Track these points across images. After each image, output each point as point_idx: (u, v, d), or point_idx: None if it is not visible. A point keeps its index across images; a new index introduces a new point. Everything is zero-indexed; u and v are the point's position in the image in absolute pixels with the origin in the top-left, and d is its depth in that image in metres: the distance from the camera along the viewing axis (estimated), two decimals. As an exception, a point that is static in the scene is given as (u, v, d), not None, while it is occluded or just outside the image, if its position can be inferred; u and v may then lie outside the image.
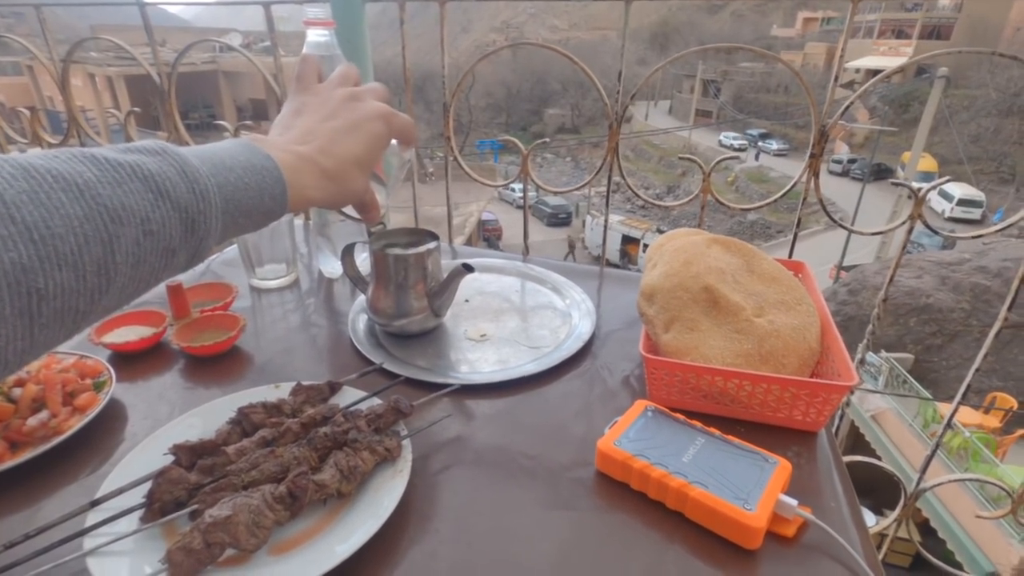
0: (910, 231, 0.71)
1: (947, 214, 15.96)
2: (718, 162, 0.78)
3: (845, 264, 10.31)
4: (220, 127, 0.99)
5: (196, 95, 16.55)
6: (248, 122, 1.08)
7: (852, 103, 0.70)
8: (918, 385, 6.76)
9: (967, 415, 6.32)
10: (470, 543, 0.42)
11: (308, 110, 0.42)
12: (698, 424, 0.49)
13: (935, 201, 16.86)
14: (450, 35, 0.88)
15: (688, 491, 0.42)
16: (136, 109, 1.09)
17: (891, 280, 0.74)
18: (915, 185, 0.68)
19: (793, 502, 0.42)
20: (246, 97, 17.47)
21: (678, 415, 0.50)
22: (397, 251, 0.63)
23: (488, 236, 16.66)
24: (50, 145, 1.16)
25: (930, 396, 6.85)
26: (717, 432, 0.48)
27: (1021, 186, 18.31)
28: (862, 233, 0.78)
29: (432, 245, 0.65)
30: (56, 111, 12.66)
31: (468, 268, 0.62)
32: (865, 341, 0.81)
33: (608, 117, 0.79)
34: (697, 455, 0.45)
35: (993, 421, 6.57)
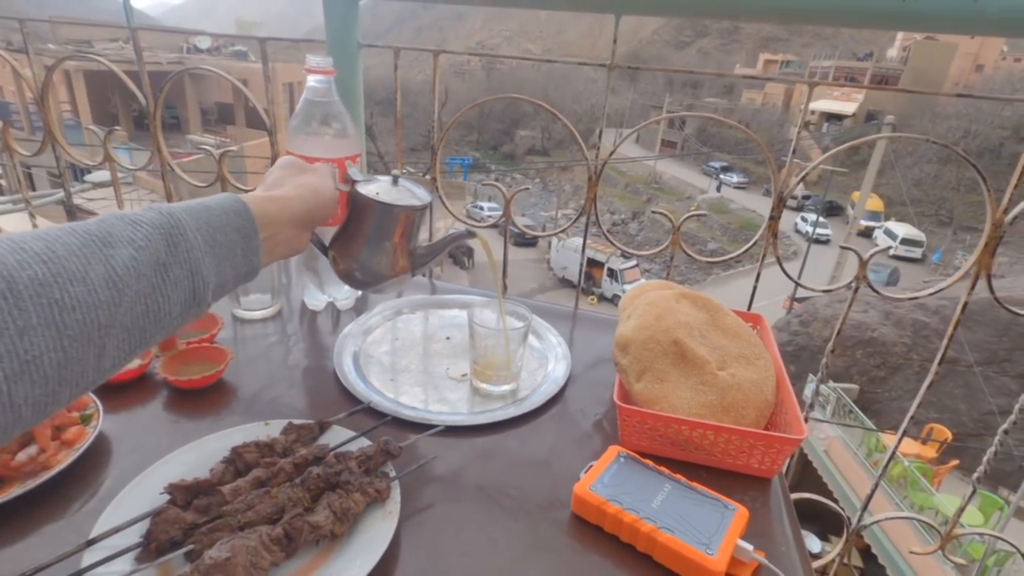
0: (856, 290, 0.78)
1: (891, 252, 16.89)
2: (686, 218, 0.84)
3: (798, 296, 10.83)
4: (185, 129, 0.98)
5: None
6: (214, 128, 1.08)
7: (809, 171, 0.78)
8: (863, 415, 7.08)
9: (906, 445, 6.66)
10: (456, 584, 0.45)
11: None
12: (666, 471, 0.53)
13: (880, 240, 17.86)
14: (425, 53, 0.93)
15: (657, 536, 0.46)
16: (117, 128, 1.09)
17: (839, 329, 0.81)
18: (861, 247, 0.75)
19: (749, 547, 0.46)
20: (212, 100, 17.07)
21: (648, 461, 0.54)
22: (389, 200, 0.55)
23: (453, 252, 16.69)
24: (22, 157, 1.14)
25: (874, 427, 7.17)
26: (683, 479, 0.52)
27: (957, 229, 19.64)
28: (813, 290, 0.86)
29: (425, 201, 0.57)
30: (5, 102, 12.09)
31: (471, 234, 0.62)
32: (819, 375, 0.88)
33: (588, 171, 0.84)
34: (665, 501, 0.49)
35: (930, 451, 6.93)
